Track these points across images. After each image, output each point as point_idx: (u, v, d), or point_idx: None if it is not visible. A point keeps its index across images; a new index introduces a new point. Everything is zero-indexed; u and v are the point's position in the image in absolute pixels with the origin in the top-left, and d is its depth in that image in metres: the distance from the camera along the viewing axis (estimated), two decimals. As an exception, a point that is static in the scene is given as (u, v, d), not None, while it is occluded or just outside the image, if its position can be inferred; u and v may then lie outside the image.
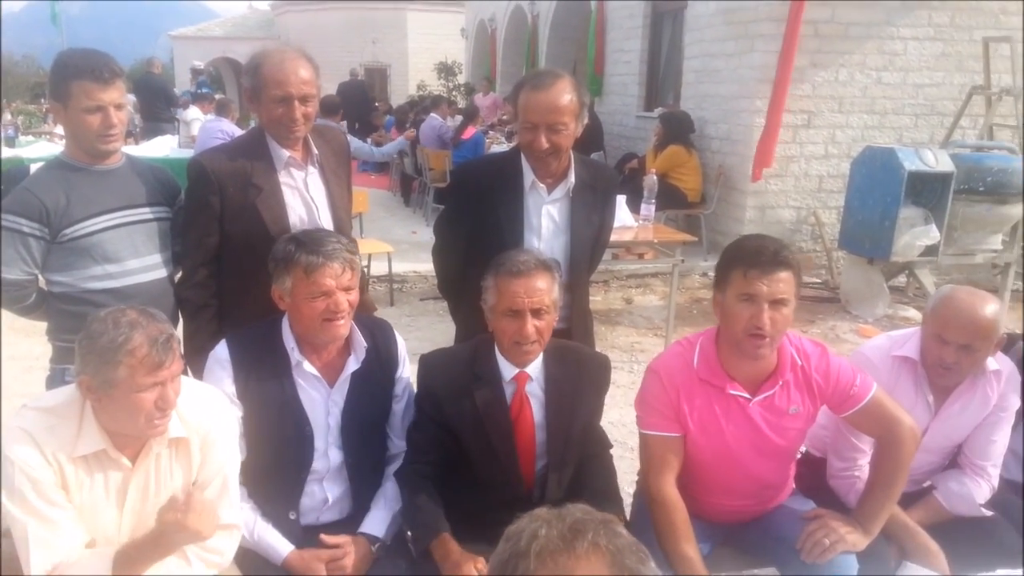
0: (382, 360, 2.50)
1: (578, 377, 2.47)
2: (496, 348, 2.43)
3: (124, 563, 1.89)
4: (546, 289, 2.33)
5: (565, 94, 2.61)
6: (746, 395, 2.35)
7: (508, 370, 2.42)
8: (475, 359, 2.44)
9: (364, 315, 2.62)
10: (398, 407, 2.55)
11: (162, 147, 9.74)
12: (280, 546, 2.31)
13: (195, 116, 10.78)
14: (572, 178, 2.78)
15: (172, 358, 1.89)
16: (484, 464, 2.42)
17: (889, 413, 2.36)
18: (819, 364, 2.38)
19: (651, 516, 2.36)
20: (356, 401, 2.41)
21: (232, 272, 2.66)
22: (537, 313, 2.31)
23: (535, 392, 2.44)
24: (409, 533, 2.41)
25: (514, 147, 2.87)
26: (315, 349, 2.38)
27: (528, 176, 2.75)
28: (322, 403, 2.39)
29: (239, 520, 2.18)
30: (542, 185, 2.76)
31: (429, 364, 2.49)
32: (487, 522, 2.36)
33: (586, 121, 2.74)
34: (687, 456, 2.41)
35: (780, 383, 2.35)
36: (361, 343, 2.44)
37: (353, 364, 2.41)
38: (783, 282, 2.20)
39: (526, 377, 2.42)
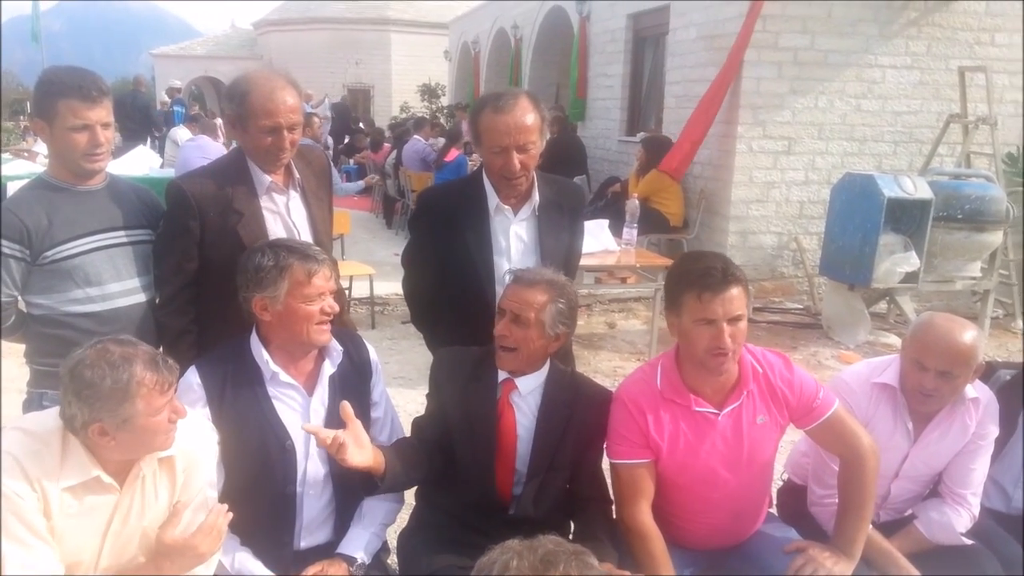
0: (356, 366, 2.50)
1: (573, 405, 2.47)
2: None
3: None
4: (533, 303, 2.36)
5: (529, 112, 2.58)
6: (713, 410, 2.36)
7: (501, 374, 2.46)
8: (481, 360, 2.50)
9: (334, 326, 2.61)
10: (376, 415, 2.54)
11: (142, 165, 9.69)
12: (261, 574, 2.28)
13: (186, 136, 10.72)
14: (537, 196, 2.75)
15: (173, 372, 1.94)
16: (464, 457, 2.44)
17: (849, 430, 2.39)
18: (782, 373, 2.40)
19: (628, 547, 2.34)
20: (337, 407, 2.36)
21: (211, 297, 2.63)
22: (515, 319, 2.36)
23: (522, 406, 2.46)
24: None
25: (476, 170, 2.85)
26: (292, 360, 2.37)
27: (492, 198, 2.73)
28: (301, 413, 2.36)
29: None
30: (507, 206, 2.73)
31: (441, 356, 2.59)
32: (463, 524, 2.42)
33: (547, 136, 2.71)
34: (660, 480, 2.40)
35: (745, 393, 2.36)
36: (336, 347, 2.44)
37: (329, 368, 2.41)
38: (736, 299, 2.21)
39: (511, 386, 2.45)
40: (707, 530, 2.50)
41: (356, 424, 2.19)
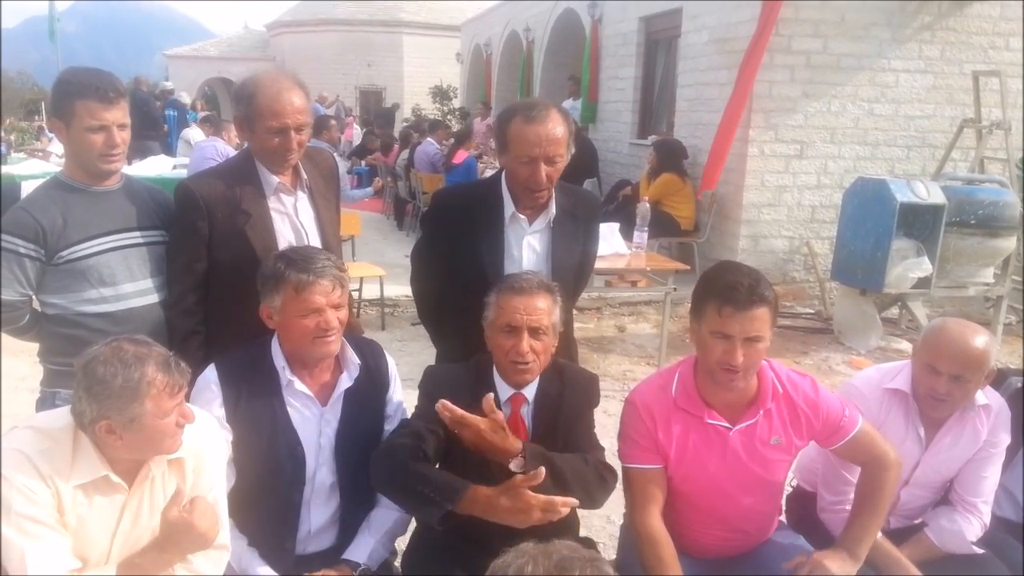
0: (373, 379, 2.49)
1: (562, 394, 2.42)
2: (494, 368, 2.41)
3: (128, 571, 1.90)
4: (545, 309, 2.31)
5: (559, 125, 2.55)
6: (725, 424, 2.33)
7: (504, 391, 2.38)
8: (476, 379, 2.40)
9: (354, 335, 2.61)
10: (390, 427, 2.53)
11: (156, 167, 9.73)
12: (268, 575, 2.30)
13: (198, 136, 10.77)
14: (553, 208, 2.72)
15: (184, 376, 1.94)
16: (479, 481, 2.35)
17: (877, 444, 2.37)
18: (807, 396, 2.36)
19: (638, 552, 2.34)
20: (350, 419, 2.39)
21: (219, 298, 2.65)
22: (535, 332, 2.29)
23: (530, 415, 2.41)
24: (427, 496, 2.20)
25: (494, 175, 2.82)
26: (307, 368, 2.37)
27: (509, 207, 2.70)
28: (314, 423, 2.36)
29: (227, 544, 2.16)
30: (523, 216, 2.70)
31: (434, 376, 2.47)
32: (465, 537, 2.32)
33: (573, 150, 2.68)
34: (670, 488, 2.39)
35: (762, 412, 2.33)
36: (354, 360, 2.43)
37: (346, 381, 2.41)
38: (757, 320, 2.16)
39: (522, 399, 2.38)
40: (711, 540, 2.49)
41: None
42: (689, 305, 2.38)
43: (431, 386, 2.42)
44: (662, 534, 2.31)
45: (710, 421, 2.33)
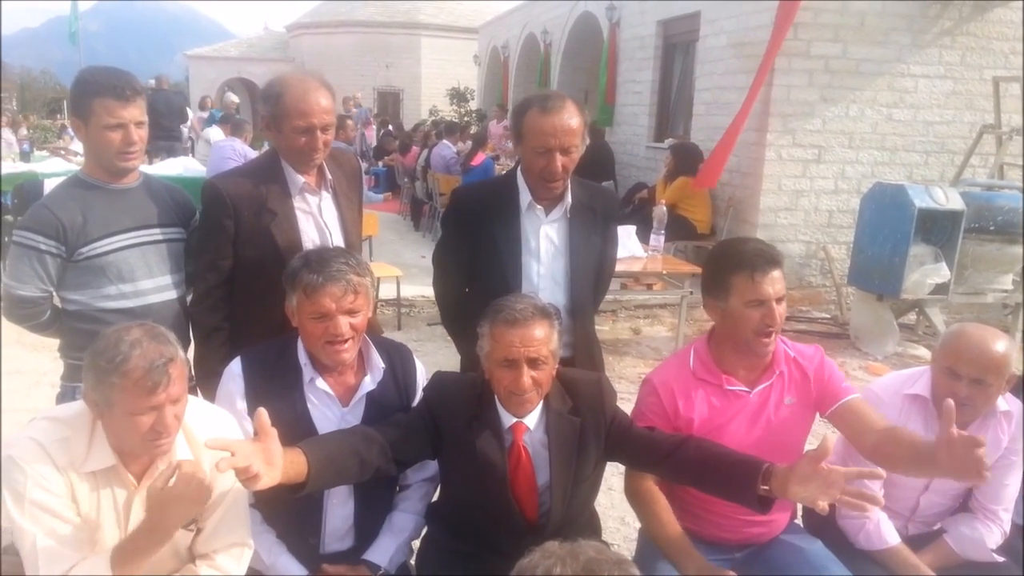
0: (399, 384, 2.47)
1: (576, 411, 2.32)
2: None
3: (122, 558, 1.87)
4: (544, 338, 2.19)
5: (574, 115, 2.59)
6: (744, 388, 2.42)
7: (506, 418, 2.28)
8: (480, 399, 2.31)
9: (383, 337, 2.60)
10: None
11: (175, 166, 9.80)
12: (295, 571, 2.31)
13: (216, 136, 10.83)
14: (569, 198, 2.74)
15: (168, 382, 1.83)
16: (478, 505, 2.33)
17: (871, 414, 2.34)
18: (815, 362, 2.47)
19: (636, 512, 2.45)
20: (370, 422, 2.34)
21: (243, 295, 2.67)
22: (534, 363, 2.18)
23: (535, 440, 2.31)
24: None
25: (510, 170, 2.85)
26: (328, 367, 2.36)
27: (525, 197, 2.72)
28: (334, 422, 2.34)
29: (248, 541, 2.17)
30: (539, 206, 2.73)
31: (439, 383, 2.37)
32: (491, 545, 2.32)
33: (587, 141, 2.72)
34: None
35: (777, 373, 2.43)
36: (378, 364, 2.42)
37: (369, 384, 2.39)
38: (781, 280, 2.33)
39: (523, 428, 2.28)
40: (734, 515, 2.47)
41: (271, 437, 1.87)
42: (702, 301, 2.41)
43: (432, 392, 2.36)
44: (656, 492, 2.42)
45: (730, 387, 2.41)
